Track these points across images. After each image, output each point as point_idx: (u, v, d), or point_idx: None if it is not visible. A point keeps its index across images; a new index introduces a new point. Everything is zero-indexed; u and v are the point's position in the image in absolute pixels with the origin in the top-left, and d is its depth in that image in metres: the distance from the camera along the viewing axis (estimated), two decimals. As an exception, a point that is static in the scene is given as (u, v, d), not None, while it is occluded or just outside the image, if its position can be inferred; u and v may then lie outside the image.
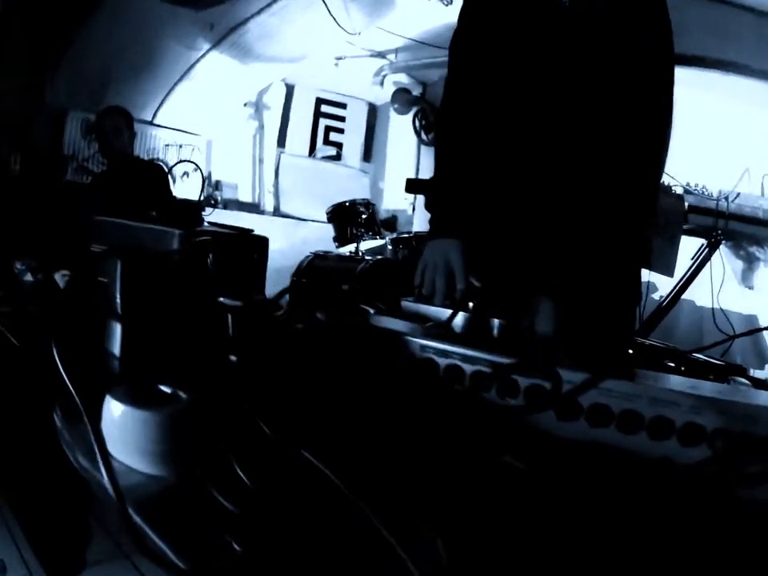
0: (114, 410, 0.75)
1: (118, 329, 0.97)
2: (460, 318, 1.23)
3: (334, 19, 5.14)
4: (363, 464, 0.73)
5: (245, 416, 0.81)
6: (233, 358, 1.01)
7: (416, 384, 0.93)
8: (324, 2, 4.95)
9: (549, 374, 0.82)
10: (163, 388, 0.81)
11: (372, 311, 1.29)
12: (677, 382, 0.85)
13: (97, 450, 0.70)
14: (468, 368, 0.89)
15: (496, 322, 1.21)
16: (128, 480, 0.70)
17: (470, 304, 1.36)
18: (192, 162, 4.53)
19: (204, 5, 4.80)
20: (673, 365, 1.44)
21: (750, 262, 4.14)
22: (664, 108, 1.50)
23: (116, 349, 0.96)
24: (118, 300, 0.97)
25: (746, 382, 1.38)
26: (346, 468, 0.69)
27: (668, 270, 3.43)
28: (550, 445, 0.81)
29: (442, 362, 0.91)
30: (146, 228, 1.73)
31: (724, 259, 4.00)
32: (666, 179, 3.58)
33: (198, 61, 5.67)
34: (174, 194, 4.06)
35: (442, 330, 1.18)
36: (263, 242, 2.13)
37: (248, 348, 1.02)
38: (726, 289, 4.05)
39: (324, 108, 7.14)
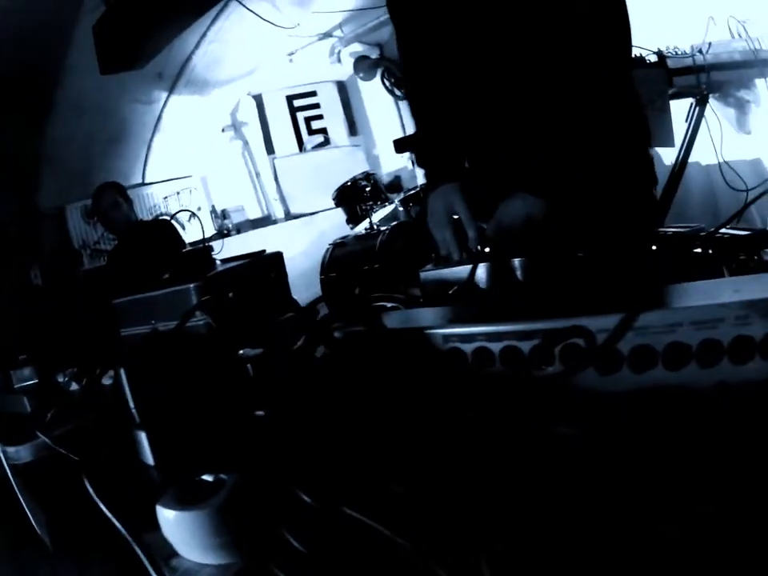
0: (167, 517, 0.77)
1: (143, 438, 1.01)
2: (482, 271, 1.18)
3: (269, 23, 5.16)
4: (408, 498, 0.70)
5: (282, 483, 0.80)
6: (260, 413, 1.01)
7: (448, 384, 0.86)
8: (253, 12, 4.97)
9: (578, 332, 0.74)
10: (206, 477, 0.82)
11: (389, 305, 1.23)
12: (714, 290, 0.76)
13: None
14: (495, 347, 0.81)
15: (516, 262, 1.15)
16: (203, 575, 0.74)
17: (487, 249, 1.33)
18: (188, 210, 4.61)
19: (141, 60, 4.86)
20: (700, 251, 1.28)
21: (741, 107, 4.03)
22: None
23: (148, 458, 1.00)
24: (134, 410, 1.02)
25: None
26: (390, 508, 0.68)
27: (668, 141, 3.37)
28: (599, 405, 0.74)
29: (468, 347, 0.83)
30: (163, 294, 1.77)
31: (717, 112, 3.93)
32: (637, 51, 3.50)
33: (162, 111, 5.84)
34: (185, 240, 4.17)
35: (463, 304, 1.11)
36: (277, 258, 2.11)
37: (275, 398, 1.02)
38: (726, 140, 3.99)
39: (297, 102, 7.19)
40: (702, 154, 3.90)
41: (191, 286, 1.65)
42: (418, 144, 1.67)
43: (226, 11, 5.17)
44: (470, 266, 1.20)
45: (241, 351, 1.15)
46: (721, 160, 3.62)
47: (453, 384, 0.85)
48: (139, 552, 0.80)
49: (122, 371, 1.02)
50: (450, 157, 1.59)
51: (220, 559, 0.75)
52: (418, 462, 0.76)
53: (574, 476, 0.65)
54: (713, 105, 3.94)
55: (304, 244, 5.79)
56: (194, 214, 4.39)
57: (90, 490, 0.91)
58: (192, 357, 1.18)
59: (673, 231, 1.40)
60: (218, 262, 2.10)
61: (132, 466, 1.03)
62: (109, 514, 0.86)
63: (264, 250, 2.16)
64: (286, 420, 0.98)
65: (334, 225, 5.57)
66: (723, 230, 1.26)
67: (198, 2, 4.52)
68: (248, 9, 5.01)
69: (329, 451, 0.86)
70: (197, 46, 5.51)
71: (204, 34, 5.41)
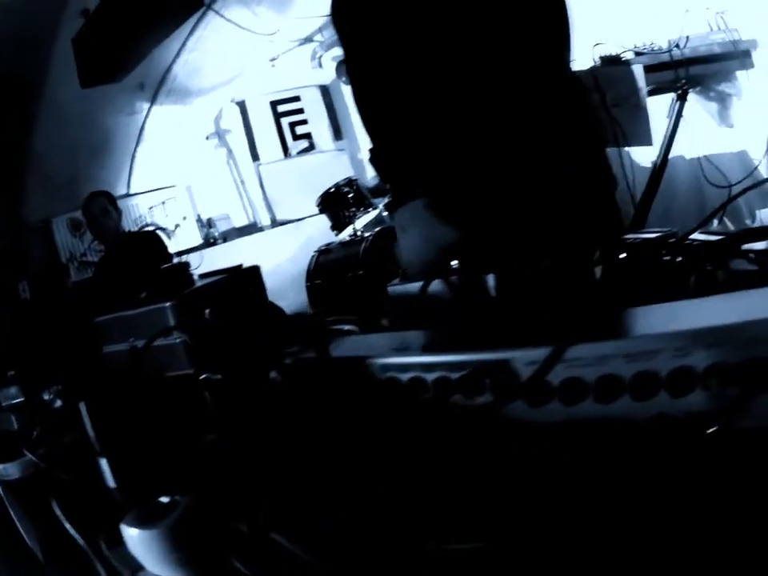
0: (130, 534, 0.84)
1: (104, 464, 1.05)
2: (452, 284, 1.16)
3: (248, 30, 5.15)
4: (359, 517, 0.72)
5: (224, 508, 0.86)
6: (211, 437, 1.05)
7: (389, 412, 0.86)
8: (230, 21, 4.96)
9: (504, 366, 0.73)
10: (163, 499, 0.87)
11: (346, 327, 1.27)
12: (658, 316, 0.73)
13: None
14: (429, 377, 0.81)
15: (490, 277, 1.11)
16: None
17: (455, 263, 1.28)
18: (160, 228, 4.62)
19: (120, 73, 4.85)
20: (669, 258, 1.21)
21: (723, 100, 3.99)
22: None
23: (110, 482, 1.04)
24: (94, 439, 1.05)
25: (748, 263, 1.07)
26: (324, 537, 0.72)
27: (645, 140, 3.28)
28: (529, 436, 0.73)
29: (404, 377, 0.85)
30: (140, 313, 1.80)
31: (698, 106, 3.91)
32: (613, 50, 3.47)
33: (145, 121, 5.84)
34: (171, 251, 4.19)
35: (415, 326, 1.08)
36: (254, 272, 2.07)
37: (227, 423, 1.06)
38: (709, 135, 3.96)
39: (280, 108, 7.18)
40: (687, 149, 3.88)
41: (167, 304, 1.66)
42: (378, 158, 1.64)
43: (205, 20, 5.16)
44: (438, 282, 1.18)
45: (202, 376, 1.15)
46: (701, 155, 3.59)
47: (392, 413, 0.86)
48: (99, 567, 0.90)
49: (82, 404, 1.05)
50: (412, 171, 1.56)
51: (179, 574, 0.82)
52: (357, 490, 0.78)
53: (506, 508, 0.65)
54: (694, 99, 3.92)
55: (291, 250, 5.78)
56: (163, 230, 4.36)
57: (57, 510, 0.98)
58: (158, 379, 1.25)
59: (643, 238, 1.35)
60: (196, 277, 2.11)
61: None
62: (73, 532, 0.94)
63: (241, 265, 2.14)
64: (234, 445, 1.01)
65: (321, 230, 5.55)
66: (695, 235, 1.21)
67: (173, 13, 4.53)
68: (225, 18, 4.98)
69: (271, 478, 0.89)
70: (177, 56, 5.52)
71: (184, 44, 5.42)
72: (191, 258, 4.00)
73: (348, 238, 4.84)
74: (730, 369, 0.60)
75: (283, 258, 5.48)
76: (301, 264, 4.86)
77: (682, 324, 0.65)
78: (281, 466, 0.90)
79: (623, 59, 3.44)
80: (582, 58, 3.36)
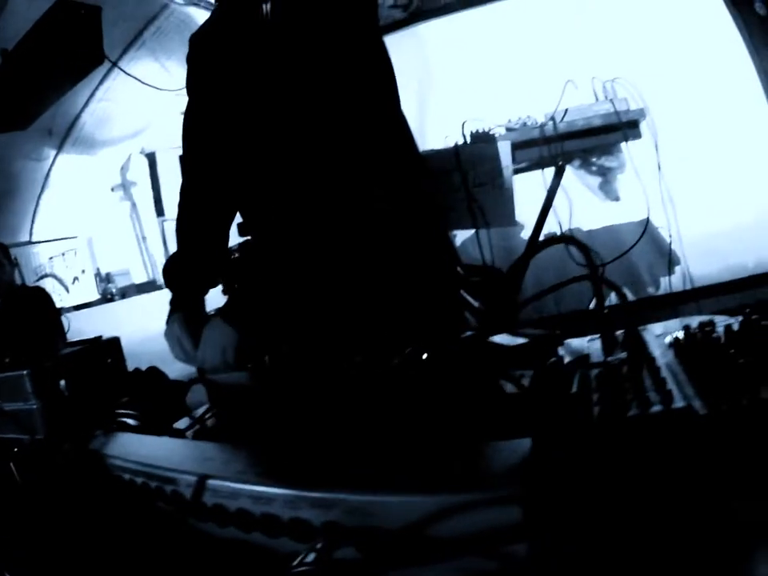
0: None
1: None
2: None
3: (151, 87, 5.13)
4: None
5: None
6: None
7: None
8: (133, 77, 4.93)
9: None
10: None
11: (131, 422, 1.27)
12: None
13: None
14: (169, 488, 0.86)
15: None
16: None
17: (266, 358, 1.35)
18: (58, 280, 4.50)
19: (26, 122, 4.78)
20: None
21: (604, 174, 4.00)
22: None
23: None
24: None
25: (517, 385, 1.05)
26: None
27: (508, 221, 3.19)
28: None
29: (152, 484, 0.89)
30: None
31: (576, 181, 3.93)
32: (484, 125, 3.42)
33: (50, 168, 5.73)
34: (60, 310, 4.09)
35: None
36: (114, 343, 2.12)
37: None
38: (592, 210, 3.98)
39: None
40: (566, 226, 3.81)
41: (24, 372, 1.62)
42: (170, 265, 1.71)
43: (115, 70, 5.12)
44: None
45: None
46: (567, 231, 3.56)
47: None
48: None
49: None
50: (196, 284, 1.67)
51: None
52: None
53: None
54: (574, 174, 3.95)
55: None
56: (76, 278, 4.24)
57: None
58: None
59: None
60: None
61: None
62: None
63: (101, 336, 2.16)
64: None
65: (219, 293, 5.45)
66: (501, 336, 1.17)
67: (74, 67, 4.49)
68: (128, 74, 4.96)
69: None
70: (86, 105, 5.46)
71: (93, 93, 5.37)
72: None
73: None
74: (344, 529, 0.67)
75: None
76: (198, 327, 4.74)
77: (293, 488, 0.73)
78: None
79: (492, 135, 3.37)
80: (453, 135, 3.35)
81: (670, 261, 4.03)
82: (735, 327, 0.86)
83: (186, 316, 1.60)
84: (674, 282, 4.07)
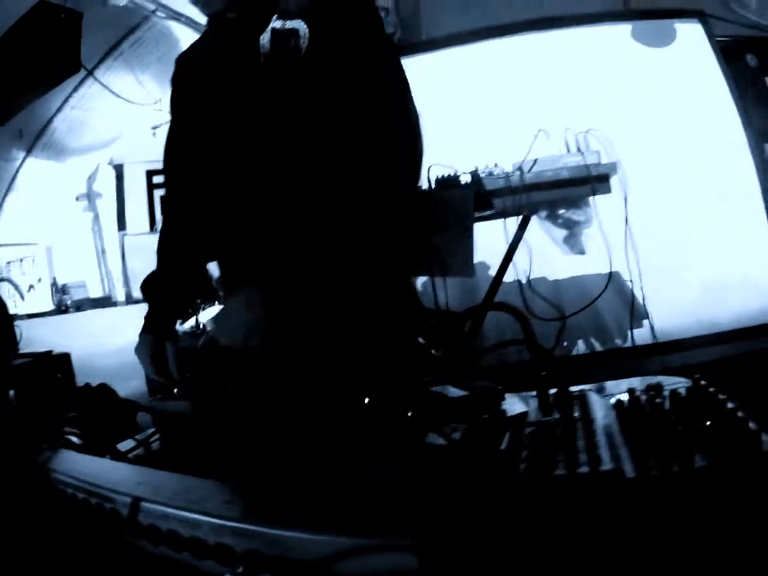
0: None
1: None
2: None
3: (124, 100, 5.09)
4: None
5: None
6: None
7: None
8: (108, 89, 4.88)
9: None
10: None
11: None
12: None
13: None
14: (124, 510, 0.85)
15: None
16: None
17: None
18: (14, 285, 4.43)
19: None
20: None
21: (570, 227, 3.98)
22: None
23: None
24: None
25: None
26: None
27: (466, 270, 3.00)
28: None
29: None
30: None
31: (541, 232, 3.88)
32: (449, 172, 3.24)
33: (18, 170, 5.67)
34: (13, 318, 3.97)
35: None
36: (64, 359, 2.17)
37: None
38: (556, 262, 3.91)
39: (157, 179, 6.80)
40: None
41: None
42: (150, 280, 1.70)
43: (90, 78, 5.11)
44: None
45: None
46: (525, 287, 3.44)
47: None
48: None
49: None
50: (174, 301, 1.68)
51: None
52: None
53: None
54: (540, 225, 3.90)
55: (137, 331, 5.55)
56: (32, 286, 4.15)
57: None
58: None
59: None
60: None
61: None
62: None
63: (51, 351, 2.18)
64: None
65: (176, 314, 5.37)
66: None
67: (49, 73, 4.44)
68: (103, 85, 4.91)
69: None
70: (58, 110, 5.43)
71: (66, 99, 5.35)
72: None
73: (189, 330, 4.66)
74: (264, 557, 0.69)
75: (128, 339, 5.25)
76: (148, 351, 4.64)
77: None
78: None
79: (458, 182, 3.23)
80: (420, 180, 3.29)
81: (632, 314, 4.00)
82: (682, 392, 0.89)
83: (160, 332, 1.61)
84: (641, 334, 4.03)
